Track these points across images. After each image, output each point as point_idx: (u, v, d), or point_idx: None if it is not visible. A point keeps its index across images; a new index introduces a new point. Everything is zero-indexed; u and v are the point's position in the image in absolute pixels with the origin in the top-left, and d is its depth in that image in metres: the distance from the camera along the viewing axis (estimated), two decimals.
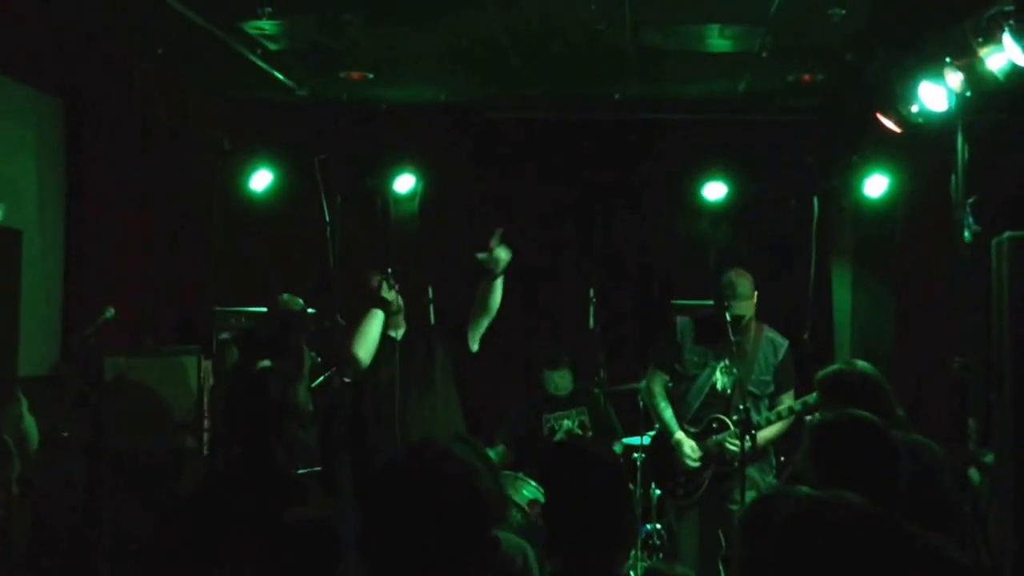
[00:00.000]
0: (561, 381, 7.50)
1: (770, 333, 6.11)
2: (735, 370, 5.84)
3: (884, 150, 7.88)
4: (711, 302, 6.12)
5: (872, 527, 2.39)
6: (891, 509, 2.96)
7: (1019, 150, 7.43)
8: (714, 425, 6.02)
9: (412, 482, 2.20)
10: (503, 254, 5.59)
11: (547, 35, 6.66)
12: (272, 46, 6.84)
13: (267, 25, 6.38)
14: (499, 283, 5.64)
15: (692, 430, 6.05)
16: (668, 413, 6.10)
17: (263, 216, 8.59)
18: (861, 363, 4.67)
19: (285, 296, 7.09)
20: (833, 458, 3.18)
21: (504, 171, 8.69)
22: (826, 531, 2.38)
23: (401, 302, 5.72)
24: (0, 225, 6.74)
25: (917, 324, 8.16)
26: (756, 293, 6.02)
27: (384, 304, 5.59)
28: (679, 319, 6.21)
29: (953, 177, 6.19)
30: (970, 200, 6.15)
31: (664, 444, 6.17)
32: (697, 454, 5.99)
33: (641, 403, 6.57)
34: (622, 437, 7.39)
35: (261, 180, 8.46)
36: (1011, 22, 5.32)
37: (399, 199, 8.79)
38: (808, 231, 8.34)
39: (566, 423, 7.48)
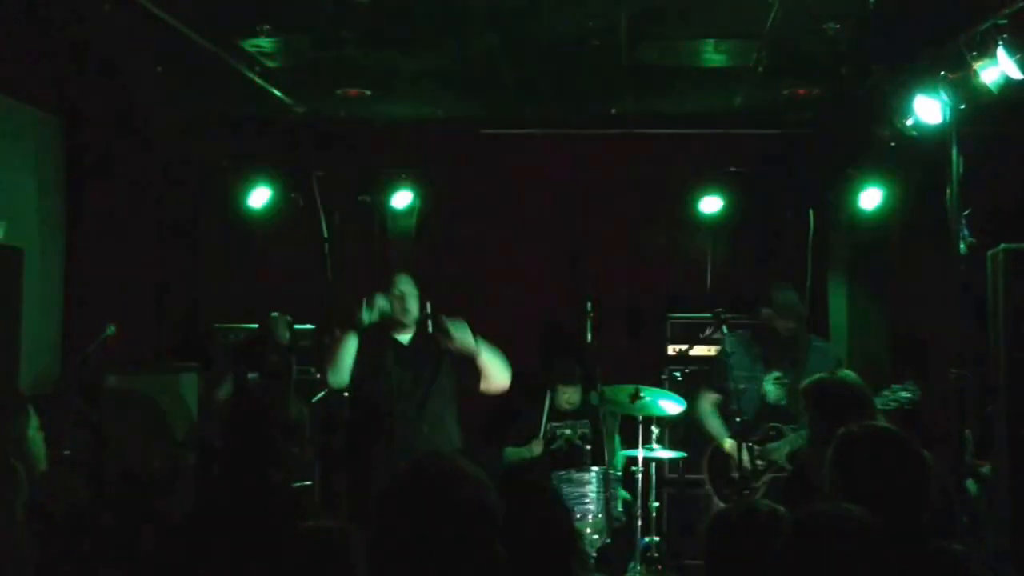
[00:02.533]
0: (574, 396, 7.55)
1: (817, 342, 6.24)
2: (787, 380, 5.96)
3: (879, 163, 7.91)
4: (710, 315, 6.16)
5: (874, 539, 2.42)
6: (919, 524, 2.95)
7: (1014, 162, 7.47)
8: (771, 433, 6.16)
9: (422, 496, 2.21)
10: (460, 329, 5.57)
11: (543, 51, 6.69)
12: (270, 64, 6.86)
13: (265, 43, 6.42)
14: (484, 355, 5.64)
15: (751, 440, 6.20)
16: (716, 423, 6.41)
17: (261, 232, 8.61)
18: (844, 372, 4.72)
19: (273, 314, 7.13)
20: (858, 470, 3.07)
21: (501, 186, 8.71)
22: (829, 544, 2.41)
23: (412, 307, 5.73)
24: (1, 243, 6.76)
25: (913, 336, 8.19)
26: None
27: (360, 326, 5.60)
28: (727, 335, 6.27)
29: (948, 190, 6.22)
30: (965, 212, 6.19)
31: (718, 451, 6.48)
32: (746, 456, 6.13)
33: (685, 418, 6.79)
34: (618, 444, 7.45)
35: (259, 197, 8.48)
36: (1005, 35, 5.36)
37: (397, 215, 8.81)
38: (804, 244, 8.37)
39: (566, 432, 7.49)
